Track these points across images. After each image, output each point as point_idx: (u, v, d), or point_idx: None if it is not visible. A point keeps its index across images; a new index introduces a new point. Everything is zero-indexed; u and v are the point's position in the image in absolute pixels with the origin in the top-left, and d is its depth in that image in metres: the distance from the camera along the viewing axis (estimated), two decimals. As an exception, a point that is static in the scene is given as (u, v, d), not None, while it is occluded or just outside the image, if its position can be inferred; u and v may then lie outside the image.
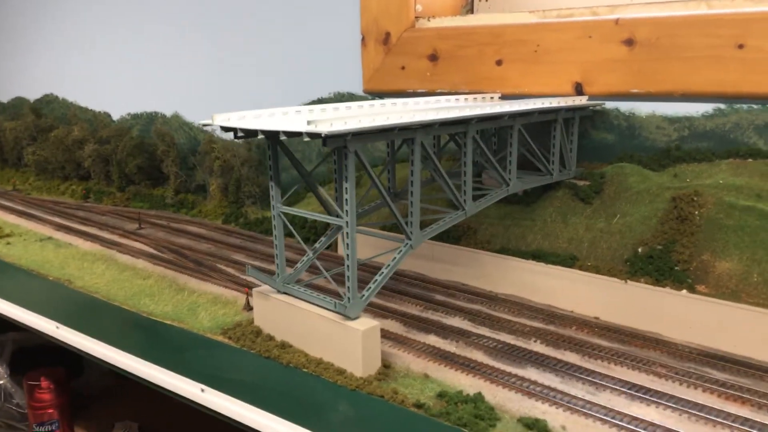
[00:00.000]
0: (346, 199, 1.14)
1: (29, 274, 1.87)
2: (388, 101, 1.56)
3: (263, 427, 1.21)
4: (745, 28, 1.40)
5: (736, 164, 1.44)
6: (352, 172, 1.13)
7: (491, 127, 1.53)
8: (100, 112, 3.14)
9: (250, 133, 1.16)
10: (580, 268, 1.47)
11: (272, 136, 1.24)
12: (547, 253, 1.53)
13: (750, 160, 1.44)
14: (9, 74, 3.71)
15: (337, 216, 1.21)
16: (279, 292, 1.33)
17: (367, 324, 1.17)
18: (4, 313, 1.89)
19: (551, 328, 1.37)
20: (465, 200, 1.37)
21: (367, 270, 1.58)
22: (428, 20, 1.93)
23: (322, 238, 1.37)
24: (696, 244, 1.34)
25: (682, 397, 1.08)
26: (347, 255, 1.17)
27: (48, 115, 3.34)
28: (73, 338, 1.64)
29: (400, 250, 1.26)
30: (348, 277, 1.18)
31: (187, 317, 1.49)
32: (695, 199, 1.36)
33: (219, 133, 1.14)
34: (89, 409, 2.63)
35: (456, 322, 1.42)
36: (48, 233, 2.26)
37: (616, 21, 1.56)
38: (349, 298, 1.18)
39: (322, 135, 1.03)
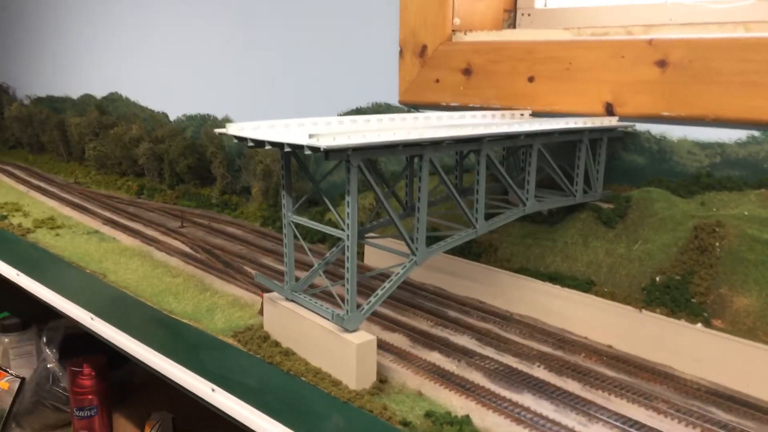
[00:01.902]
0: (348, 213, 1.16)
1: (70, 265, 1.96)
2: (409, 116, 1.56)
3: (262, 430, 1.25)
4: (783, 54, 1.34)
5: (766, 195, 1.38)
6: (355, 186, 1.14)
7: (509, 146, 1.51)
8: (158, 111, 3.27)
9: (259, 144, 1.19)
10: (597, 294, 1.43)
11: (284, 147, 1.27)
12: (565, 276, 1.50)
13: (783, 191, 1.37)
14: (80, 72, 3.90)
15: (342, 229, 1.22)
16: (287, 299, 1.36)
17: (363, 338, 1.18)
18: (50, 302, 2.00)
19: (559, 353, 1.35)
20: (477, 218, 1.36)
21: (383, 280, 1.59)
22: (465, 34, 1.92)
23: (334, 249, 1.39)
24: (714, 277, 1.29)
25: (677, 436, 1.04)
26: (347, 268, 1.19)
27: (112, 113, 3.50)
28: (105, 330, 1.72)
29: (404, 266, 1.26)
30: (347, 289, 1.19)
31: (204, 317, 1.53)
32: (717, 230, 1.31)
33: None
34: (129, 398, 2.73)
35: (463, 340, 1.41)
36: (96, 227, 2.37)
37: (650, 42, 1.52)
38: (347, 311, 1.19)
39: (322, 149, 1.05)
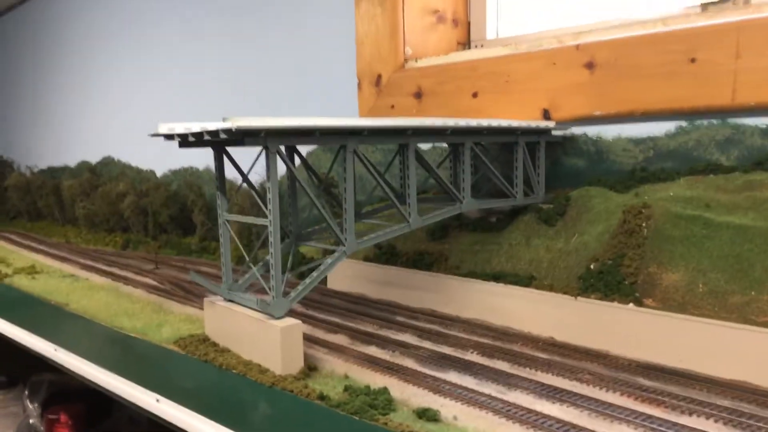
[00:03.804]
0: (269, 199, 1.19)
1: (36, 299, 1.99)
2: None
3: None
4: (696, 42, 1.38)
5: (694, 180, 1.39)
6: (274, 172, 1.18)
7: (440, 143, 1.54)
8: (146, 170, 3.38)
9: (184, 139, 1.24)
10: (536, 288, 1.43)
11: (218, 146, 1.32)
12: (509, 274, 1.51)
13: (711, 175, 1.39)
14: (76, 141, 4.05)
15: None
16: (225, 299, 1.37)
17: (288, 322, 1.19)
18: (6, 333, 2.02)
19: (497, 344, 1.33)
20: (410, 213, 1.39)
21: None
22: (416, 61, 2.00)
23: (271, 251, 1.40)
24: (643, 257, 1.29)
25: (594, 397, 1.02)
26: (272, 253, 1.21)
27: (104, 175, 3.61)
28: (50, 351, 1.74)
29: (334, 255, 1.28)
30: (272, 276, 1.21)
31: (151, 331, 1.54)
32: (643, 211, 1.32)
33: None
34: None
35: (404, 337, 1.40)
36: (73, 272, 2.41)
37: (577, 46, 1.58)
38: (273, 297, 1.20)
39: (233, 129, 1.09)
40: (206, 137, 1.17)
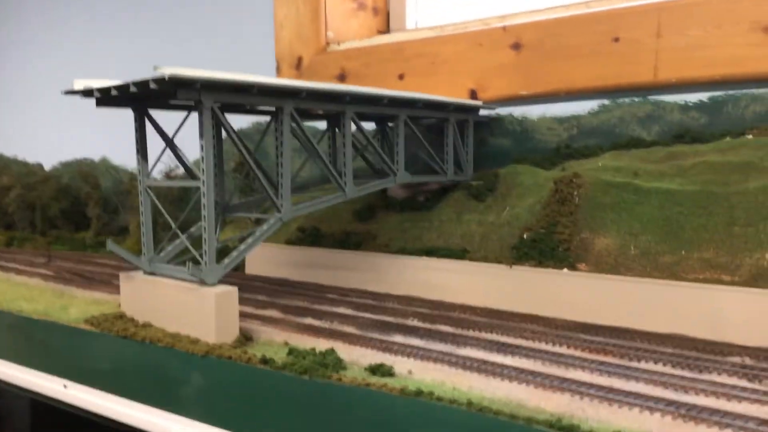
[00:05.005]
0: (203, 157, 1.11)
1: None
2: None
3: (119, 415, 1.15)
4: (619, 23, 1.44)
5: (618, 153, 1.45)
6: (209, 130, 1.11)
7: (373, 112, 1.51)
8: (33, 163, 3.13)
9: (105, 94, 1.14)
10: (470, 260, 1.43)
11: (140, 107, 1.23)
12: (440, 249, 1.50)
13: (634, 150, 1.45)
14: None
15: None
16: (145, 272, 1.27)
17: (222, 288, 1.11)
18: None
19: (435, 312, 1.32)
20: (345, 182, 1.35)
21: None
22: (339, 45, 1.97)
23: (204, 213, 1.31)
24: (576, 223, 1.32)
25: (543, 349, 1.02)
26: (204, 216, 1.13)
27: (-18, 170, 3.31)
28: None
29: (269, 222, 1.22)
30: (205, 240, 1.13)
31: (56, 313, 1.40)
32: (574, 180, 1.36)
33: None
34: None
35: (339, 310, 1.36)
36: (-51, 267, 2.17)
37: (504, 28, 1.61)
38: (205, 262, 1.12)
39: (166, 78, 1.01)
40: (132, 89, 1.08)
